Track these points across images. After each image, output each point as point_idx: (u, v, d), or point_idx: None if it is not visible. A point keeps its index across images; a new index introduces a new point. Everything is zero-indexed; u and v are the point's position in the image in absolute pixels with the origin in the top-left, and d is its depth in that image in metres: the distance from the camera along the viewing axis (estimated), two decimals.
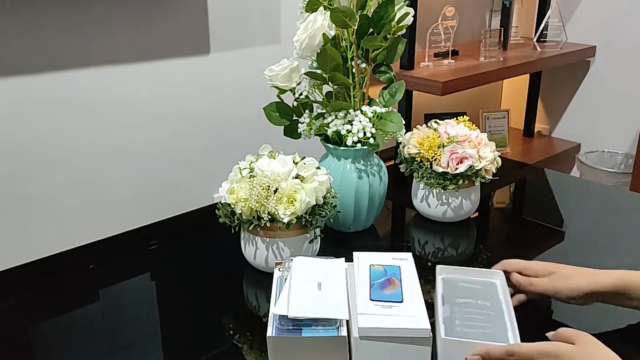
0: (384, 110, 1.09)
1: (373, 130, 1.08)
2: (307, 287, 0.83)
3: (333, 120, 1.09)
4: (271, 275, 0.90)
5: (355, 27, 1.04)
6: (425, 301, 0.80)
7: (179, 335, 0.89)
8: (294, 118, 1.15)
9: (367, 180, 1.12)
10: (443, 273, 0.90)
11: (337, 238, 1.16)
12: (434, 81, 1.99)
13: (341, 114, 1.09)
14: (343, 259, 0.91)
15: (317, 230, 1.02)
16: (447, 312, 0.82)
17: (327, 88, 1.14)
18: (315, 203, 0.98)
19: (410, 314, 0.77)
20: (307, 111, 1.13)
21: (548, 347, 0.70)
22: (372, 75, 1.13)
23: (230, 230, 1.02)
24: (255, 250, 1.00)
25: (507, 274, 0.89)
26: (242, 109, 1.90)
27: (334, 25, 1.05)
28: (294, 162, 1.01)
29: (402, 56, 1.32)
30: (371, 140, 1.09)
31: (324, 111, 1.12)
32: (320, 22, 1.04)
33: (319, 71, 1.08)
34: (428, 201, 1.20)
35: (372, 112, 1.08)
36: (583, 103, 2.72)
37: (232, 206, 0.97)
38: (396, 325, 0.75)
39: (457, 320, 0.80)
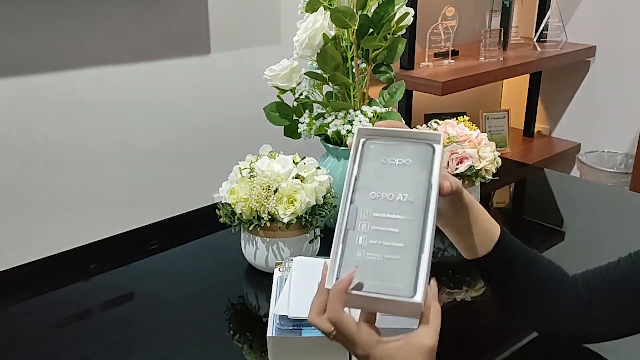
0: (384, 110, 1.09)
1: None
2: (307, 287, 0.82)
3: (333, 120, 1.09)
4: (271, 275, 0.90)
5: (355, 27, 1.04)
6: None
7: (179, 335, 0.89)
8: (294, 118, 1.15)
9: None
10: (364, 135, 0.65)
11: None
12: (434, 81, 1.99)
13: (341, 114, 1.09)
14: None
15: (317, 230, 1.02)
16: (352, 218, 0.60)
17: (327, 88, 1.14)
18: (315, 203, 0.98)
19: None
20: (307, 111, 1.13)
21: (365, 342, 0.58)
22: (372, 75, 1.13)
23: (230, 230, 1.02)
24: (255, 250, 1.00)
25: None
26: (242, 109, 1.90)
27: (334, 25, 1.05)
28: (294, 162, 1.01)
29: (402, 56, 1.32)
30: None
31: (324, 111, 1.12)
32: (320, 22, 1.04)
33: (319, 71, 1.08)
34: None
35: (372, 112, 1.08)
36: (583, 103, 2.72)
37: (232, 206, 0.97)
38: (396, 325, 0.75)
39: (361, 237, 0.59)
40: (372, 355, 0.58)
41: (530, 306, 0.76)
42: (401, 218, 0.59)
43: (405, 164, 0.62)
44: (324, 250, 1.04)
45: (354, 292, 0.57)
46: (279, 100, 1.14)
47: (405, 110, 2.13)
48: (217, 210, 1.01)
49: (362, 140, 0.64)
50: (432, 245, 0.58)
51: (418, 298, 0.55)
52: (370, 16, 1.06)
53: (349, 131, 1.07)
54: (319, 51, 1.06)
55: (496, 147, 1.20)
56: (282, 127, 1.16)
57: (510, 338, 0.90)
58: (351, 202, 0.61)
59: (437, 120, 1.24)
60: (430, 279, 0.58)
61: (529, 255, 0.76)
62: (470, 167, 1.13)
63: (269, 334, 0.77)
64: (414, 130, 0.65)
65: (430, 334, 0.57)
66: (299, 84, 1.12)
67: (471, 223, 0.73)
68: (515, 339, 0.89)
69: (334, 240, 0.60)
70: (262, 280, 1.00)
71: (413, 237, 0.58)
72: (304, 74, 1.11)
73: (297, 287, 0.82)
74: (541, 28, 2.47)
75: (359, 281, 0.57)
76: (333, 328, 0.59)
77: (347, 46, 1.09)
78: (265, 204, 0.94)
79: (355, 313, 0.61)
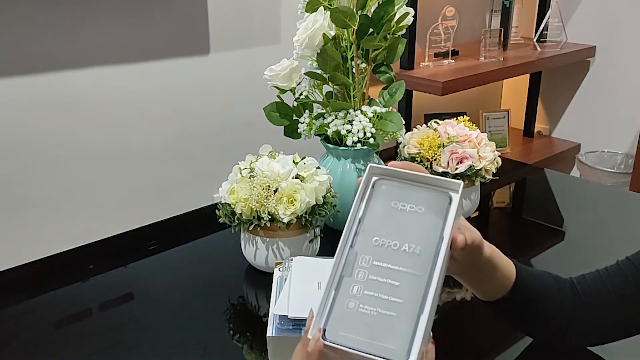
0: (384, 110, 1.09)
1: (373, 130, 1.07)
2: (307, 287, 0.83)
3: (333, 120, 1.09)
4: (271, 275, 0.90)
5: (355, 27, 1.04)
6: None
7: (179, 335, 0.89)
8: (294, 118, 1.15)
9: None
10: (378, 174, 0.59)
11: (337, 238, 1.15)
12: (434, 81, 1.99)
13: (341, 114, 1.09)
14: None
15: (317, 230, 1.02)
16: (351, 262, 0.56)
17: (327, 88, 1.14)
18: (315, 203, 0.98)
19: None
20: (307, 111, 1.13)
21: None
22: (372, 75, 1.13)
23: (230, 230, 1.02)
24: (255, 250, 1.00)
25: None
26: (242, 109, 1.90)
27: (334, 25, 1.05)
28: (294, 162, 1.01)
29: (402, 56, 1.32)
30: (371, 140, 1.09)
31: (324, 111, 1.12)
32: (320, 22, 1.04)
33: (319, 71, 1.08)
34: None
35: (372, 112, 1.08)
36: (583, 103, 2.72)
37: (232, 206, 0.97)
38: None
39: (356, 287, 0.54)
40: None
41: (544, 331, 0.77)
42: (404, 271, 0.53)
43: (417, 212, 0.56)
44: (324, 250, 1.04)
45: (340, 347, 0.51)
46: (279, 100, 1.14)
47: (405, 110, 2.13)
48: (217, 210, 1.01)
49: (373, 178, 0.59)
50: (435, 305, 0.53)
51: None
52: (370, 16, 1.06)
53: (349, 131, 1.07)
54: (319, 51, 1.06)
55: (496, 147, 1.20)
56: (282, 127, 1.16)
57: (511, 337, 0.89)
58: (351, 246, 0.56)
59: (437, 120, 1.24)
60: (428, 342, 0.54)
61: (539, 282, 0.76)
62: (470, 167, 1.13)
63: (269, 334, 0.77)
64: (432, 176, 0.58)
65: None
66: (299, 84, 1.12)
67: (489, 273, 0.71)
68: (515, 338, 0.89)
69: (325, 285, 0.54)
70: (262, 280, 1.00)
71: (415, 294, 0.52)
72: (304, 74, 1.11)
73: (297, 287, 0.82)
74: (541, 28, 2.47)
75: (345, 334, 0.51)
76: None
77: (347, 46, 1.09)
78: (265, 204, 0.94)
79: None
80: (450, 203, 0.57)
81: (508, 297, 0.72)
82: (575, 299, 0.76)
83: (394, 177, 0.59)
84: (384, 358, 0.49)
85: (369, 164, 0.60)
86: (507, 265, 0.72)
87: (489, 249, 0.69)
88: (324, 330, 0.52)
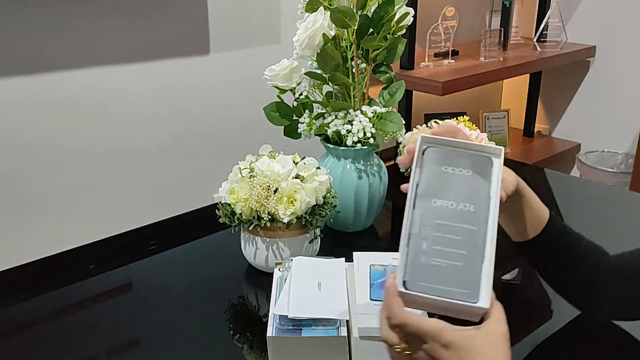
0: (384, 110, 1.09)
1: (373, 130, 1.08)
2: (307, 287, 0.83)
3: (333, 120, 1.09)
4: (271, 275, 0.90)
5: (355, 27, 1.04)
6: None
7: (179, 335, 0.89)
8: (294, 118, 1.15)
9: (367, 180, 1.12)
10: (427, 143, 0.66)
11: (337, 238, 1.16)
12: (434, 81, 1.99)
13: (341, 114, 1.09)
14: (343, 259, 0.91)
15: (317, 230, 1.02)
16: (416, 224, 0.62)
17: (327, 88, 1.14)
18: (315, 203, 0.98)
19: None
20: (307, 111, 1.13)
21: (445, 332, 0.58)
22: (372, 75, 1.13)
23: (230, 230, 1.02)
24: (255, 250, 1.00)
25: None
26: (242, 109, 1.90)
27: (334, 25, 1.05)
28: (294, 162, 1.01)
29: (402, 56, 1.32)
30: (371, 140, 1.09)
31: (324, 111, 1.12)
32: (320, 22, 1.04)
33: (319, 71, 1.08)
34: None
35: (372, 112, 1.08)
36: (583, 103, 2.72)
37: (232, 206, 0.97)
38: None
39: (425, 243, 0.61)
40: (453, 343, 0.57)
41: (569, 284, 0.81)
42: (463, 227, 0.61)
43: (466, 174, 0.64)
44: (324, 251, 1.04)
45: (419, 294, 0.58)
46: (279, 100, 1.14)
47: (405, 110, 2.13)
48: (217, 210, 1.01)
49: (423, 147, 0.66)
50: (493, 253, 0.60)
51: (483, 303, 0.58)
52: (370, 16, 1.06)
53: (349, 131, 1.07)
54: (319, 51, 1.06)
55: None
56: (282, 127, 1.16)
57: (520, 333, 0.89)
58: (414, 208, 0.63)
59: (437, 120, 1.24)
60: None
61: (572, 236, 0.80)
62: None
63: (269, 334, 0.77)
64: (476, 143, 0.66)
65: (502, 322, 0.59)
66: (299, 84, 1.12)
67: (524, 210, 0.77)
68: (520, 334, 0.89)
69: (400, 245, 0.61)
70: (262, 280, 1.00)
71: (476, 245, 0.60)
72: (304, 74, 1.11)
73: (297, 287, 0.82)
74: (541, 28, 2.47)
75: (424, 284, 0.59)
76: (398, 340, 0.60)
77: (347, 46, 1.09)
78: (265, 204, 0.94)
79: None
80: (492, 166, 0.64)
81: (539, 238, 0.78)
82: (610, 265, 0.78)
83: (442, 144, 0.65)
84: (460, 300, 0.57)
85: (420, 134, 0.66)
86: (540, 209, 0.78)
87: (522, 188, 0.76)
88: (404, 282, 0.59)
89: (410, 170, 0.65)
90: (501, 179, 0.64)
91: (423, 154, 0.65)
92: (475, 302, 0.58)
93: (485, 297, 0.58)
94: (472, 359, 0.56)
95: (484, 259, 0.60)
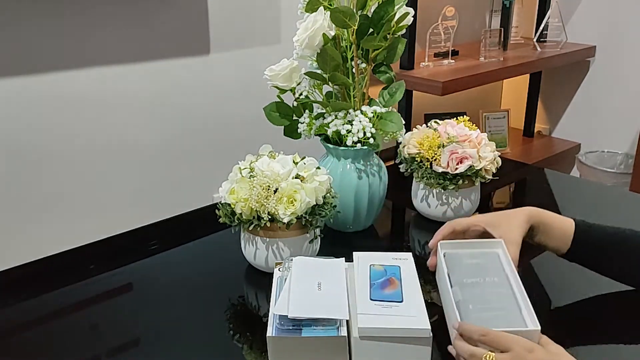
0: (384, 110, 1.09)
1: (373, 130, 1.08)
2: (307, 287, 0.83)
3: (333, 120, 1.09)
4: (271, 275, 0.90)
5: (355, 27, 1.04)
6: (426, 301, 0.80)
7: (179, 335, 0.89)
8: (294, 118, 1.15)
9: (367, 180, 1.12)
10: (444, 248, 0.88)
11: (337, 238, 1.16)
12: (434, 81, 1.99)
13: (341, 114, 1.09)
14: (343, 259, 0.91)
15: (317, 230, 1.02)
16: (458, 295, 0.79)
17: (327, 88, 1.14)
18: (315, 203, 0.98)
19: (410, 313, 0.77)
20: (307, 111, 1.13)
21: (523, 340, 0.71)
22: (372, 75, 1.13)
23: (230, 230, 1.02)
24: (255, 250, 1.00)
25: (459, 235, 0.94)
26: (242, 109, 1.90)
27: (334, 25, 1.05)
28: (294, 162, 1.01)
29: (402, 56, 1.32)
30: (371, 140, 1.09)
31: (324, 111, 1.12)
32: (320, 22, 1.04)
33: (319, 71, 1.08)
34: (428, 201, 1.20)
35: (372, 112, 1.08)
36: (583, 103, 2.72)
37: (232, 206, 0.97)
38: (396, 325, 0.75)
39: (471, 305, 0.77)
40: (536, 347, 0.71)
41: (628, 271, 0.92)
42: (496, 291, 0.79)
43: (481, 262, 0.85)
44: (324, 251, 1.04)
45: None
46: (279, 100, 1.14)
47: (405, 110, 2.13)
48: (217, 210, 1.01)
49: (442, 252, 0.87)
50: (527, 300, 0.77)
51: (533, 327, 0.73)
52: (370, 16, 1.06)
53: (348, 131, 1.07)
54: (319, 51, 1.06)
55: (496, 147, 1.19)
56: (282, 127, 1.16)
57: None
58: (452, 286, 0.81)
59: (437, 120, 1.24)
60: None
61: (607, 231, 0.93)
62: (470, 167, 1.13)
63: (269, 334, 0.77)
64: (480, 241, 0.90)
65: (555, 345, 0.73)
66: (299, 84, 1.12)
67: (546, 238, 0.93)
68: None
69: (445, 312, 0.82)
70: (262, 280, 1.00)
71: (510, 301, 0.78)
72: (304, 74, 1.11)
73: (297, 287, 0.82)
74: (541, 28, 2.47)
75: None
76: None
77: (347, 46, 1.09)
78: (265, 204, 0.94)
79: None
80: (497, 252, 0.87)
81: (573, 249, 0.92)
82: None
83: (457, 248, 0.88)
84: (515, 327, 0.73)
85: (439, 243, 0.89)
86: (562, 227, 0.92)
87: (536, 229, 0.92)
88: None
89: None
90: (509, 258, 0.84)
91: (444, 256, 0.86)
92: (527, 327, 0.73)
93: (533, 321, 0.73)
94: None
95: (519, 305, 0.77)
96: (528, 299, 0.76)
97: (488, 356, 0.70)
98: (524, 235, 0.90)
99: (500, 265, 0.84)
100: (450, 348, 0.76)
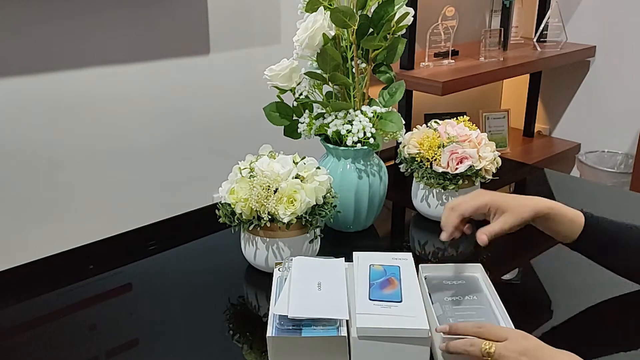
0: (384, 110, 1.09)
1: (373, 130, 1.08)
2: (307, 287, 0.83)
3: (333, 120, 1.09)
4: (271, 275, 0.90)
5: (355, 27, 1.04)
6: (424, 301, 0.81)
7: (179, 335, 0.89)
8: (294, 118, 1.15)
9: (367, 180, 1.12)
10: (425, 272, 0.91)
11: (337, 238, 1.16)
12: (434, 81, 1.99)
13: (341, 114, 1.09)
14: (343, 259, 0.91)
15: (317, 230, 1.02)
16: (439, 310, 0.82)
17: (327, 88, 1.14)
18: (315, 203, 0.98)
19: (409, 313, 0.77)
20: (307, 111, 1.13)
21: (517, 330, 0.74)
22: (372, 75, 1.13)
23: (230, 230, 1.02)
24: (255, 250, 1.00)
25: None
26: (242, 109, 1.90)
27: (334, 25, 1.05)
28: (294, 162, 1.01)
29: (402, 56, 1.32)
30: (371, 140, 1.09)
31: (324, 111, 1.12)
32: (320, 22, 1.04)
33: (319, 71, 1.08)
34: (428, 201, 1.20)
35: (372, 112, 1.08)
36: (583, 103, 2.72)
37: (232, 206, 0.97)
38: (395, 325, 0.75)
39: (451, 318, 0.80)
40: (530, 336, 0.73)
41: (631, 266, 0.93)
42: (475, 307, 0.84)
43: (462, 282, 0.90)
44: (324, 251, 1.04)
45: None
46: (279, 100, 1.14)
47: (405, 110, 2.13)
48: (217, 210, 1.01)
49: (423, 276, 0.90)
50: (505, 317, 0.81)
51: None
52: (370, 16, 1.06)
53: (348, 131, 1.07)
54: (319, 51, 1.05)
55: (496, 147, 1.19)
56: (282, 127, 1.16)
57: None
58: (432, 304, 0.83)
59: (437, 120, 1.24)
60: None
61: (615, 227, 0.93)
62: (470, 167, 1.13)
63: (269, 334, 0.77)
64: (458, 264, 0.93)
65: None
66: (299, 84, 1.12)
67: (555, 225, 0.92)
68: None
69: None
70: (262, 280, 1.00)
71: (489, 315, 0.82)
72: (304, 74, 1.11)
73: (297, 287, 0.82)
74: (541, 28, 2.47)
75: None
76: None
77: (347, 46, 1.09)
78: (265, 204, 0.94)
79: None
80: (477, 278, 0.91)
81: (577, 242, 0.92)
82: None
83: (437, 271, 0.92)
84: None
85: (420, 265, 0.91)
86: (573, 218, 0.92)
87: (549, 214, 0.91)
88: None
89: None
90: (504, 222, 0.89)
91: (425, 279, 0.89)
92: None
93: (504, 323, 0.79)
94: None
95: (497, 317, 0.81)
96: (507, 314, 0.80)
97: (487, 344, 0.72)
98: (528, 222, 0.92)
99: (479, 286, 0.88)
100: (438, 353, 0.77)
